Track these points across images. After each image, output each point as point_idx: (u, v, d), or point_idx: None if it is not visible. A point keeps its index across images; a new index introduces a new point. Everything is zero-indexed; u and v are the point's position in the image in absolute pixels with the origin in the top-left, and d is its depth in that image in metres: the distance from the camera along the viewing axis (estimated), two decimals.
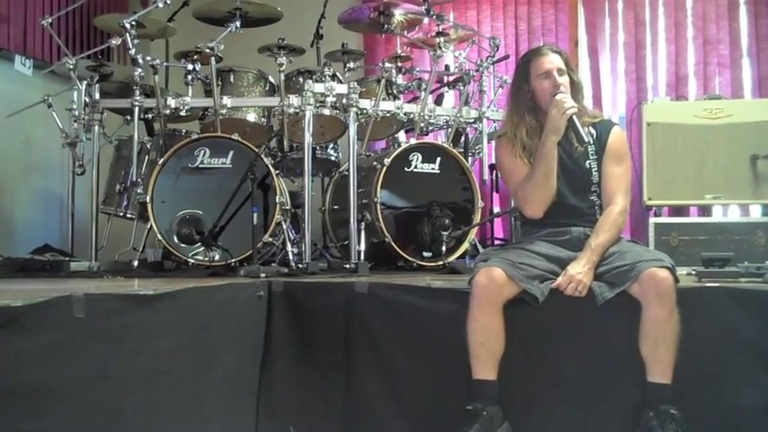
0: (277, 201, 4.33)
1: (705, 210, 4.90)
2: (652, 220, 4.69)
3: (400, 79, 5.04)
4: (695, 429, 2.86)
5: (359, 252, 4.42)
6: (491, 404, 2.88)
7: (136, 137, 4.59)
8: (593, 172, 3.23)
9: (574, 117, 3.12)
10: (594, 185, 3.23)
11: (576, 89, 3.27)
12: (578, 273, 2.95)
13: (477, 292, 2.91)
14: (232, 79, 4.83)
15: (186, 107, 4.64)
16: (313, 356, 3.36)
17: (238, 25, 4.71)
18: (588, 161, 3.23)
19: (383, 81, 4.75)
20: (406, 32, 5.43)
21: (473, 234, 4.63)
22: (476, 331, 2.91)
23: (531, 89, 3.26)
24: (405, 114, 4.86)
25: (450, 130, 5.10)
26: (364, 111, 4.65)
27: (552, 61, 3.22)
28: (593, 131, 3.24)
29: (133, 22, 4.46)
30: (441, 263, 4.43)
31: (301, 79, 4.86)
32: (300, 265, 4.14)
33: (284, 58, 4.59)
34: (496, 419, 2.88)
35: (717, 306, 3.03)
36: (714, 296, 3.06)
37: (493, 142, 5.09)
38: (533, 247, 3.12)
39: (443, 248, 4.41)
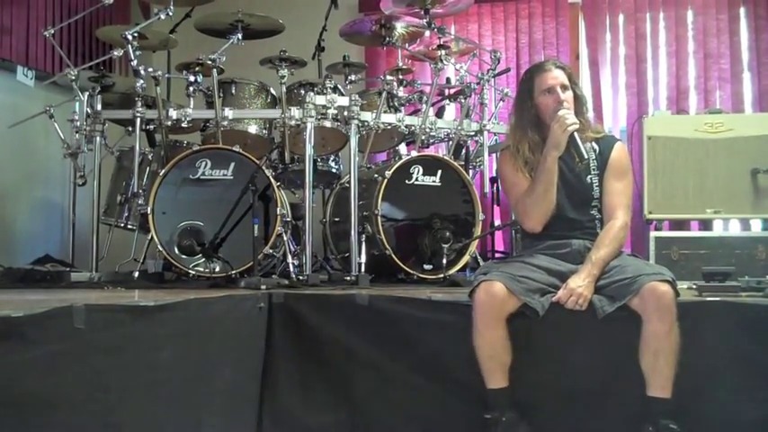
0: (278, 212, 4.33)
1: (706, 224, 4.90)
2: (652, 233, 4.69)
3: (401, 92, 5.06)
4: None
5: (359, 264, 4.41)
6: (508, 410, 2.91)
7: (137, 148, 4.60)
8: (595, 187, 3.24)
9: (575, 134, 3.12)
10: (595, 200, 3.24)
11: (579, 104, 3.28)
12: (578, 286, 2.95)
13: (479, 309, 2.92)
14: (233, 91, 4.84)
15: (188, 118, 4.64)
16: (314, 368, 3.36)
17: (240, 37, 4.72)
18: (590, 176, 3.24)
19: (384, 93, 4.76)
20: (407, 45, 5.44)
21: (474, 247, 4.63)
22: (483, 347, 2.94)
23: (535, 104, 3.27)
24: (406, 127, 4.87)
25: (451, 142, 5.10)
26: (365, 123, 4.65)
27: (556, 77, 3.23)
28: (595, 147, 3.26)
29: (135, 34, 4.48)
30: (441, 275, 4.42)
31: (303, 91, 4.88)
32: (301, 277, 4.14)
33: (286, 70, 4.60)
34: (515, 423, 2.91)
35: (717, 320, 3.03)
36: (714, 310, 3.06)
37: (494, 155, 5.11)
38: (534, 260, 3.13)
39: (444, 261, 4.40)
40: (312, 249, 4.45)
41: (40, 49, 5.63)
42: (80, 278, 4.47)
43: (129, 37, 4.43)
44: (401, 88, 5.08)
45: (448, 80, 5.44)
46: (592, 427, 3.03)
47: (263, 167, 4.30)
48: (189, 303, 3.01)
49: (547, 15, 6.46)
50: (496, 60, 5.10)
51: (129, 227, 4.90)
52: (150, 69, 4.56)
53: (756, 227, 4.99)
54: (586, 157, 3.14)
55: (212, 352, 3.06)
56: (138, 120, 4.56)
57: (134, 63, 4.49)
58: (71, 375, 2.43)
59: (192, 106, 4.70)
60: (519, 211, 3.32)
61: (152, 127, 4.66)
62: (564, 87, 3.22)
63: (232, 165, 4.38)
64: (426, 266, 4.49)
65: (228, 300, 3.31)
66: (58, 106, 4.85)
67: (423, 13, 5.01)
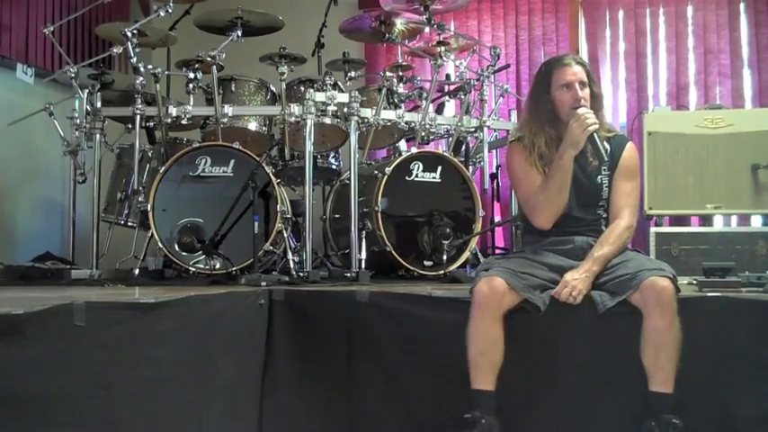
0: (278, 209, 4.33)
1: (706, 219, 4.90)
2: (653, 229, 4.68)
3: (401, 88, 5.06)
4: None
5: (360, 261, 4.41)
6: (489, 414, 2.86)
7: (137, 145, 4.60)
8: (604, 187, 3.21)
9: (594, 134, 3.07)
10: (603, 200, 3.21)
11: (596, 102, 3.20)
12: (574, 279, 2.94)
13: (478, 300, 2.90)
14: (233, 88, 4.83)
15: (187, 116, 4.64)
16: (314, 365, 3.36)
17: (240, 34, 4.72)
18: (600, 176, 3.21)
19: (384, 90, 4.77)
20: (407, 41, 5.44)
21: (474, 243, 4.63)
22: (475, 340, 2.90)
23: (552, 99, 3.19)
24: (406, 123, 4.87)
25: (450, 139, 5.11)
26: (365, 120, 4.65)
27: (575, 73, 3.15)
28: (607, 146, 3.20)
29: (135, 31, 4.47)
30: (442, 272, 4.43)
31: (302, 88, 4.88)
32: (301, 274, 4.14)
33: (285, 66, 4.60)
34: (494, 430, 2.85)
35: (718, 316, 3.03)
36: (715, 306, 3.06)
37: (494, 151, 5.11)
38: (535, 256, 3.11)
39: (444, 257, 4.41)
40: (312, 246, 4.46)
41: (40, 47, 5.63)
42: (80, 275, 4.48)
43: (129, 34, 4.43)
44: (401, 85, 5.08)
45: (447, 76, 5.43)
46: (594, 422, 3.03)
47: (263, 164, 4.30)
48: (189, 300, 3.01)
49: (546, 11, 6.47)
50: (496, 56, 5.09)
51: (130, 224, 4.91)
52: (150, 66, 4.55)
53: (757, 222, 5.00)
54: (606, 159, 3.12)
55: (213, 349, 3.06)
56: (138, 117, 4.56)
57: (134, 60, 4.49)
58: (72, 373, 2.44)
59: (191, 103, 4.70)
60: (529, 208, 3.24)
61: (152, 124, 4.66)
62: (582, 84, 3.15)
63: (232, 162, 4.39)
64: (427, 263, 4.50)
65: (229, 297, 3.31)
66: (58, 104, 4.85)
67: (422, 9, 5.00)
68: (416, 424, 3.21)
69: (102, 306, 2.62)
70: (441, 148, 5.49)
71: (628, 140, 3.32)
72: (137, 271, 4.42)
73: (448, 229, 4.44)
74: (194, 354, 2.96)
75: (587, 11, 6.40)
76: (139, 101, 4.56)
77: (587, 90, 3.17)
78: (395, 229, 4.54)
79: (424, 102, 4.97)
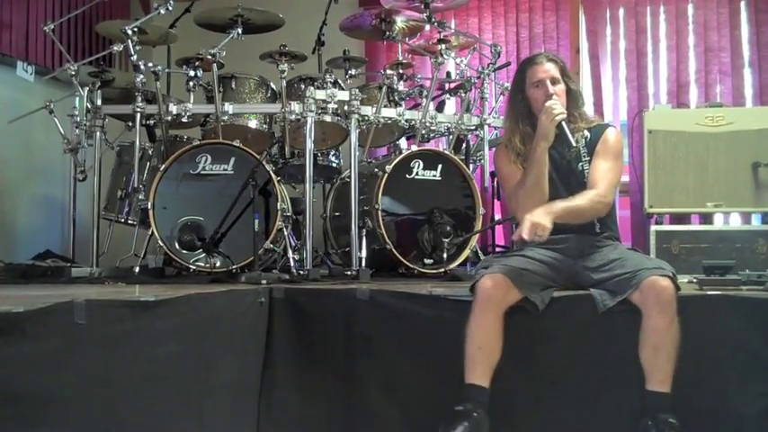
0: (278, 207, 4.33)
1: (706, 217, 4.90)
2: (653, 227, 4.69)
3: (401, 86, 5.05)
4: None
5: (360, 259, 4.41)
6: (481, 409, 2.84)
7: (137, 143, 4.59)
8: (586, 174, 3.24)
9: (563, 123, 3.14)
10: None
11: (573, 97, 3.29)
12: (536, 218, 2.94)
13: (481, 295, 2.90)
14: (234, 86, 4.83)
15: (188, 113, 4.63)
16: (314, 363, 3.36)
17: (240, 32, 4.72)
18: (581, 163, 3.25)
19: (384, 88, 4.76)
20: (407, 39, 5.43)
21: (474, 241, 4.63)
22: (475, 335, 2.90)
23: (526, 97, 3.29)
24: (406, 121, 4.87)
25: (451, 136, 5.10)
26: (366, 117, 4.65)
27: (546, 70, 3.24)
28: (587, 134, 3.27)
29: (135, 29, 4.46)
30: (442, 270, 4.43)
31: (303, 86, 4.88)
32: (302, 272, 4.14)
33: (286, 64, 4.60)
34: (484, 426, 2.82)
35: (718, 314, 3.03)
36: (715, 304, 3.06)
37: (494, 149, 5.11)
38: (533, 254, 3.12)
39: (444, 255, 4.40)
40: (313, 244, 4.45)
41: (40, 44, 5.62)
42: (81, 273, 4.46)
43: (129, 32, 4.42)
44: (401, 82, 5.08)
45: (448, 74, 5.42)
46: (593, 421, 3.03)
47: (264, 162, 4.30)
48: (189, 298, 3.01)
49: (547, 9, 6.45)
50: (496, 54, 5.09)
51: (130, 222, 4.89)
52: (150, 64, 4.54)
53: (757, 220, 5.00)
54: (575, 145, 3.16)
55: (213, 347, 3.07)
56: (139, 115, 4.55)
57: (134, 58, 4.48)
58: (72, 371, 2.44)
59: (192, 101, 4.70)
60: (513, 204, 3.32)
61: (152, 122, 4.65)
62: (554, 80, 3.23)
63: (232, 159, 4.38)
64: (427, 261, 4.49)
65: (229, 295, 3.32)
66: (59, 101, 4.83)
67: (423, 7, 4.99)
68: (415, 422, 3.21)
69: (103, 304, 2.62)
70: (441, 146, 5.48)
71: (609, 126, 3.37)
72: (137, 269, 4.41)
73: (448, 227, 4.43)
74: (194, 352, 2.96)
75: (588, 9, 6.39)
76: (140, 99, 4.55)
77: (561, 86, 3.25)
78: (395, 227, 4.54)
79: (424, 99, 4.97)
